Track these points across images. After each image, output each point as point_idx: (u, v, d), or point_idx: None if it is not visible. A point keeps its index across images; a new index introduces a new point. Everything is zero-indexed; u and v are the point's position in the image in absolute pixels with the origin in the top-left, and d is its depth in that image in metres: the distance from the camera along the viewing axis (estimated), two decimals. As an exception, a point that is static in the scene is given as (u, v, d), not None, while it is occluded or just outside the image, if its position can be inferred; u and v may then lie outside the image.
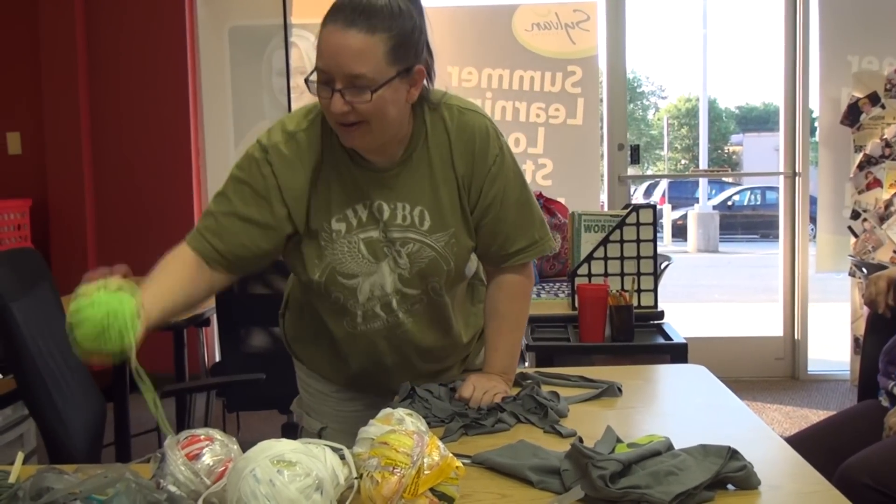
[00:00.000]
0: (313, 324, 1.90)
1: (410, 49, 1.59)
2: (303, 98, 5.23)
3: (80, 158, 5.20)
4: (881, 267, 4.19)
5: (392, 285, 1.76)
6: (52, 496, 1.10)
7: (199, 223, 1.72)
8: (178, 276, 1.68)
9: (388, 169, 1.71)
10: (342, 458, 1.24)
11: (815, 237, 5.34)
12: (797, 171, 5.32)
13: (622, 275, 2.97)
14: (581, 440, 1.42)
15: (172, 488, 1.20)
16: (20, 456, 1.33)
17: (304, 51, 5.19)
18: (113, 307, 1.40)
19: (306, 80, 1.59)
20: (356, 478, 1.23)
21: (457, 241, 1.75)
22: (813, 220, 5.38)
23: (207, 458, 1.24)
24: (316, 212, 1.71)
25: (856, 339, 5.06)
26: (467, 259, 1.83)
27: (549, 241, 1.86)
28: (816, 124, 5.33)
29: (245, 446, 1.28)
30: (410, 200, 1.72)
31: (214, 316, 3.22)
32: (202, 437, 1.28)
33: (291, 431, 3.11)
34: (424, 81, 1.66)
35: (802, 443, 2.11)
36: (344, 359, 1.89)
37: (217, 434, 1.29)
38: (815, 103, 5.25)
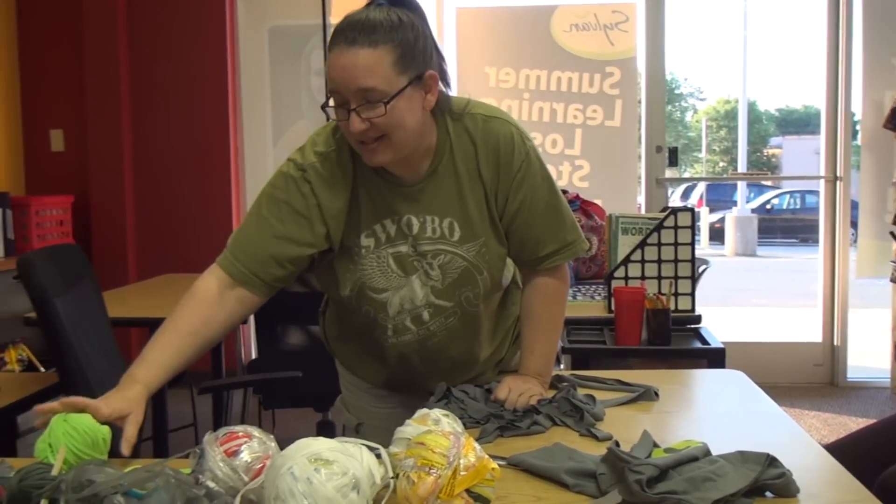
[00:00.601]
0: (351, 325, 1.91)
1: (417, 56, 1.58)
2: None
3: (122, 156, 5.27)
4: (924, 273, 4.13)
5: (423, 298, 1.76)
6: (93, 489, 1.12)
7: (231, 246, 1.72)
8: (189, 327, 1.66)
9: (414, 183, 1.71)
10: (379, 457, 1.25)
11: (855, 242, 5.27)
12: (838, 174, 5.25)
13: (659, 278, 2.95)
14: (617, 444, 1.41)
15: (211, 484, 1.21)
16: (62, 449, 1.35)
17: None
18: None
19: (323, 107, 1.60)
20: (392, 477, 1.23)
21: (488, 249, 1.75)
22: (854, 224, 5.31)
23: (246, 455, 1.25)
24: (348, 229, 1.73)
25: (896, 346, 4.99)
26: (502, 267, 1.83)
27: (580, 244, 1.85)
28: (858, 127, 5.25)
29: (281, 444, 1.29)
30: (439, 213, 1.72)
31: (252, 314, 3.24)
32: (241, 433, 1.29)
33: (327, 429, 3.13)
34: (440, 86, 1.66)
35: (841, 451, 2.08)
36: (379, 361, 1.90)
37: (255, 431, 1.30)
38: (857, 106, 5.18)
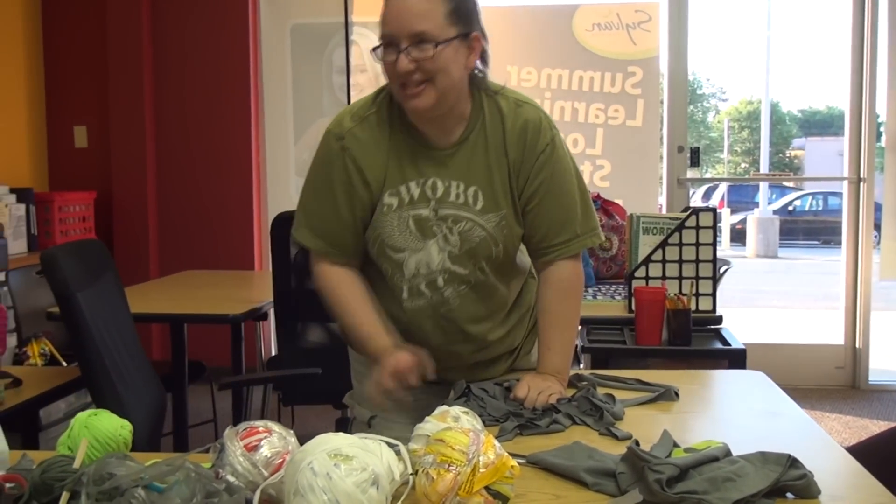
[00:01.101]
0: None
1: (467, 15, 1.71)
2: (362, 95, 5.25)
3: (144, 152, 5.30)
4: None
5: (440, 263, 1.81)
6: (114, 482, 1.12)
7: (312, 232, 1.85)
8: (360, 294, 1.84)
9: (445, 148, 1.79)
10: (398, 453, 1.25)
11: (878, 244, 5.22)
12: (862, 176, 5.20)
13: (680, 278, 2.94)
14: (637, 443, 1.41)
15: (231, 478, 1.22)
16: (84, 442, 1.36)
17: (365, 49, 5.22)
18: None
19: (372, 51, 1.70)
20: (411, 474, 1.23)
21: (507, 224, 1.81)
22: (877, 226, 5.26)
23: (265, 450, 1.26)
24: (379, 187, 1.80)
25: (920, 350, 4.94)
26: (516, 246, 1.87)
27: (593, 237, 1.88)
28: (882, 129, 5.21)
29: (300, 440, 1.29)
30: (465, 180, 1.78)
31: (272, 310, 3.25)
32: (261, 428, 1.29)
33: (346, 426, 3.13)
34: (479, 63, 1.77)
35: (863, 453, 2.06)
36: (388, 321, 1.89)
37: (275, 426, 1.31)
38: (881, 108, 5.14)
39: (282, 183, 5.37)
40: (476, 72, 1.79)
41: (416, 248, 1.80)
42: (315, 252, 1.86)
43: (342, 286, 1.84)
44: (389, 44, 1.67)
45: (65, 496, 1.16)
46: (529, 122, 1.79)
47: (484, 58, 1.79)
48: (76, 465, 1.25)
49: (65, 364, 3.28)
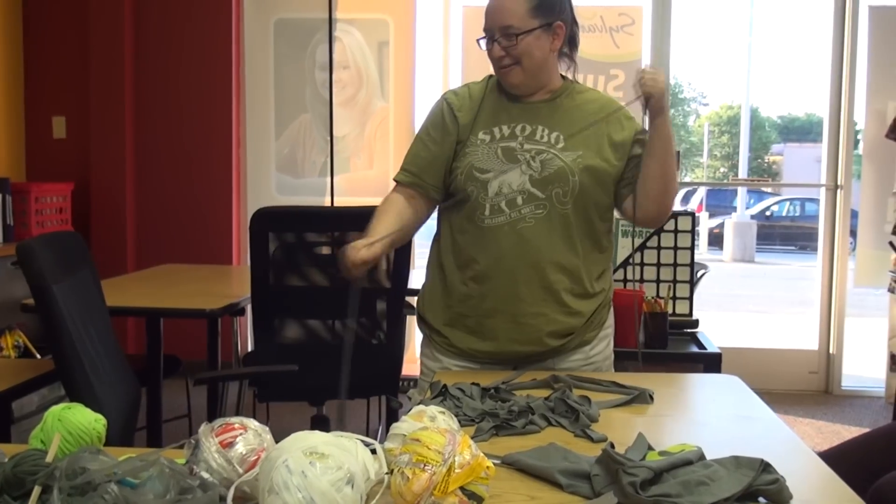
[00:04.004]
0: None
1: (553, 7, 2.07)
2: (344, 91, 5.25)
3: (123, 144, 5.27)
4: (922, 284, 4.13)
5: (520, 184, 2.06)
6: (87, 477, 1.12)
7: (403, 169, 2.19)
8: (395, 210, 2.14)
9: (534, 102, 2.13)
10: (374, 452, 1.25)
11: (854, 251, 5.27)
12: (839, 183, 5.25)
13: (658, 281, 2.95)
14: (612, 446, 1.41)
15: (205, 475, 1.21)
16: (57, 436, 1.34)
17: (348, 45, 5.22)
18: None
19: (478, 40, 2.12)
20: (387, 473, 1.23)
21: (583, 160, 2.08)
22: (853, 233, 5.31)
23: (241, 447, 1.25)
24: (471, 130, 2.12)
25: (892, 356, 4.99)
26: (591, 183, 2.08)
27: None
28: (860, 137, 5.26)
29: (275, 437, 1.29)
30: (549, 126, 2.10)
31: (249, 306, 3.24)
32: (236, 425, 1.29)
33: (321, 424, 3.13)
34: (567, 50, 2.14)
35: (835, 458, 2.09)
36: (468, 268, 2.12)
37: (251, 423, 1.30)
38: (859, 115, 5.19)
39: (262, 178, 5.34)
40: (562, 52, 2.14)
41: (501, 170, 2.07)
42: (397, 182, 2.18)
43: (388, 202, 2.15)
44: (487, 34, 2.08)
45: (36, 490, 1.15)
46: (625, 112, 2.20)
47: (573, 42, 2.16)
48: (49, 459, 1.24)
49: (39, 357, 3.26)
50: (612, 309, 2.25)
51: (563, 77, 2.18)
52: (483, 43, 2.11)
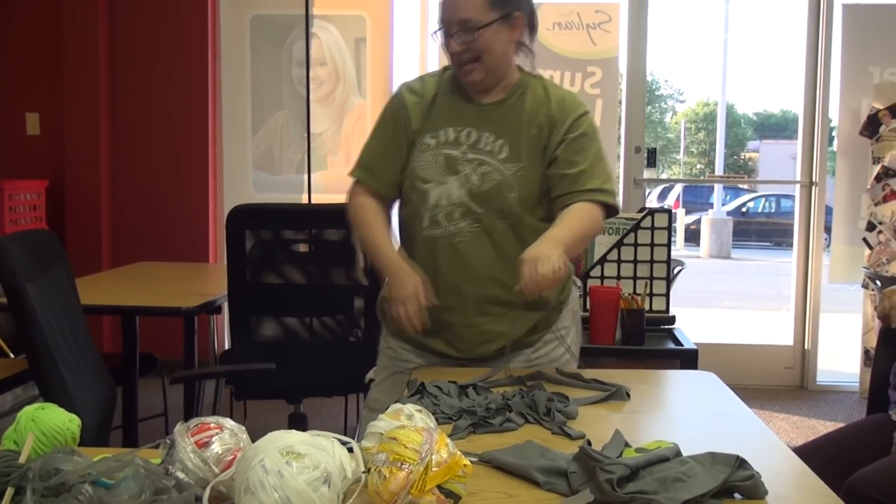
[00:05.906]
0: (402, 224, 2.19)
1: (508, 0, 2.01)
2: (321, 88, 5.23)
3: (98, 141, 5.22)
4: (895, 280, 4.17)
5: (458, 197, 2.03)
6: (61, 478, 1.11)
7: (360, 165, 2.17)
8: (382, 219, 2.14)
9: (486, 105, 2.09)
10: (350, 451, 1.25)
11: (829, 247, 5.31)
12: (814, 180, 5.29)
13: (635, 278, 2.97)
14: (589, 443, 1.42)
15: (181, 475, 1.20)
16: (31, 436, 1.33)
17: (325, 42, 5.20)
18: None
19: (433, 34, 2.07)
20: (364, 472, 1.23)
21: (524, 175, 2.03)
22: (828, 229, 5.35)
23: (217, 447, 1.25)
24: (421, 130, 2.09)
25: (866, 351, 5.04)
26: (531, 200, 2.05)
27: (615, 195, 2.08)
28: (835, 134, 5.30)
29: (252, 436, 1.28)
30: (496, 132, 2.06)
31: (226, 304, 3.22)
32: (212, 425, 1.28)
33: (298, 422, 3.12)
34: (526, 41, 2.10)
35: (810, 454, 2.10)
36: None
37: (227, 423, 1.30)
38: (834, 113, 5.23)
39: (238, 175, 5.31)
40: (520, 42, 2.10)
41: (440, 181, 2.05)
42: (356, 181, 2.15)
43: (366, 210, 2.12)
44: (444, 29, 2.02)
45: (9, 492, 1.14)
46: (570, 95, 2.12)
47: (532, 24, 2.10)
48: (22, 459, 1.23)
49: (12, 356, 3.23)
50: (571, 311, 2.21)
51: (521, 69, 2.14)
52: (439, 36, 2.05)
